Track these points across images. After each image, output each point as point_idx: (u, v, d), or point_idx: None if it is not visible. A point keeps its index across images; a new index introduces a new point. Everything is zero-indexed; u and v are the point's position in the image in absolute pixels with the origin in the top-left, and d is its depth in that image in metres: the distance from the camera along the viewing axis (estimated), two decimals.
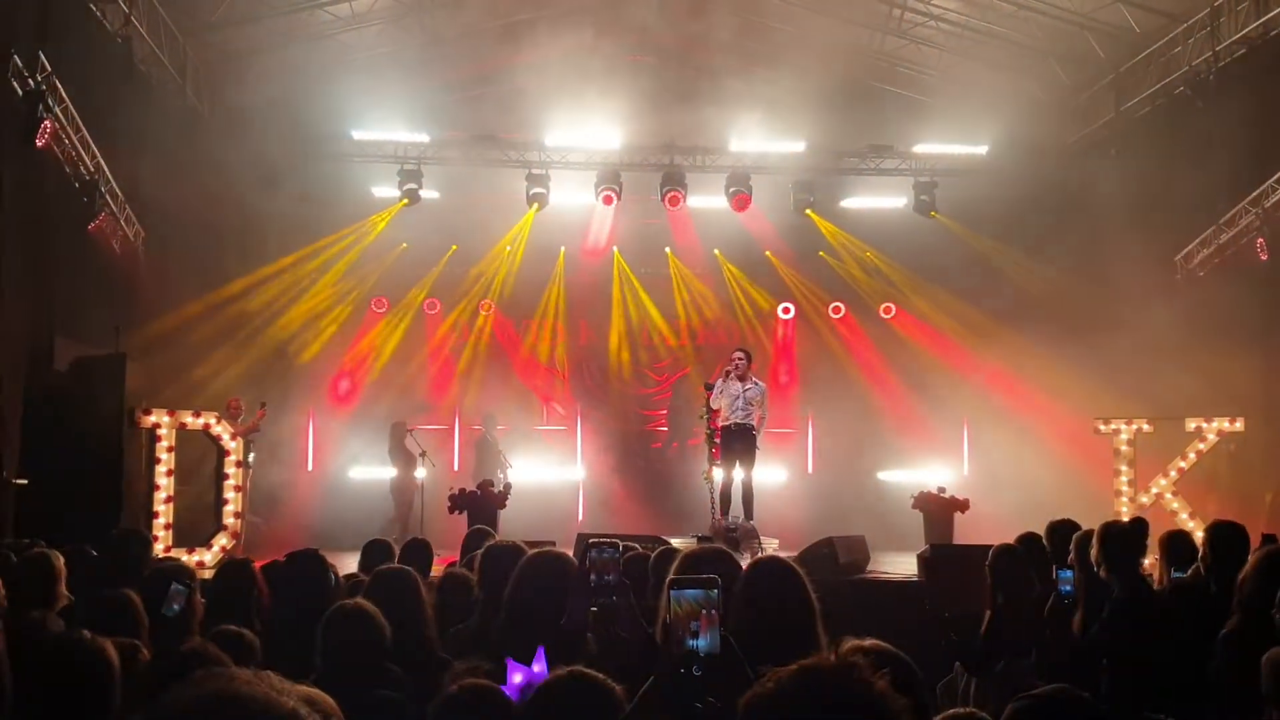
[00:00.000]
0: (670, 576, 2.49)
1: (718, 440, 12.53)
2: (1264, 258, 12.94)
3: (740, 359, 12.26)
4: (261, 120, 15.62)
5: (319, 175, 15.48)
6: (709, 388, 12.51)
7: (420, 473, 14.58)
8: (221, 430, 12.70)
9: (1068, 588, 5.31)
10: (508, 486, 13.69)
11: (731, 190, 16.47)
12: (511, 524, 13.08)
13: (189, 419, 12.46)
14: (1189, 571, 5.86)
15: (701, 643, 2.31)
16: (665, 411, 17.86)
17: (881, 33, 15.56)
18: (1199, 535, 6.03)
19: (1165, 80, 14.32)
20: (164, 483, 12.16)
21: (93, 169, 12.18)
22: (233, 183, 14.07)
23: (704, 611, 2.30)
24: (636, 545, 6.37)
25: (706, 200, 16.93)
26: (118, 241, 12.96)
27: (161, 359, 13.46)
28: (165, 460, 12.18)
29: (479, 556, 4.67)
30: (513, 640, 3.24)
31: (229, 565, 5.82)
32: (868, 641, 2.53)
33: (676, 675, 2.27)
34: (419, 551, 6.63)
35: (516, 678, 2.80)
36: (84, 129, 11.87)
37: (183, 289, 14.06)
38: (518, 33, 16.36)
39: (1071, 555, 5.51)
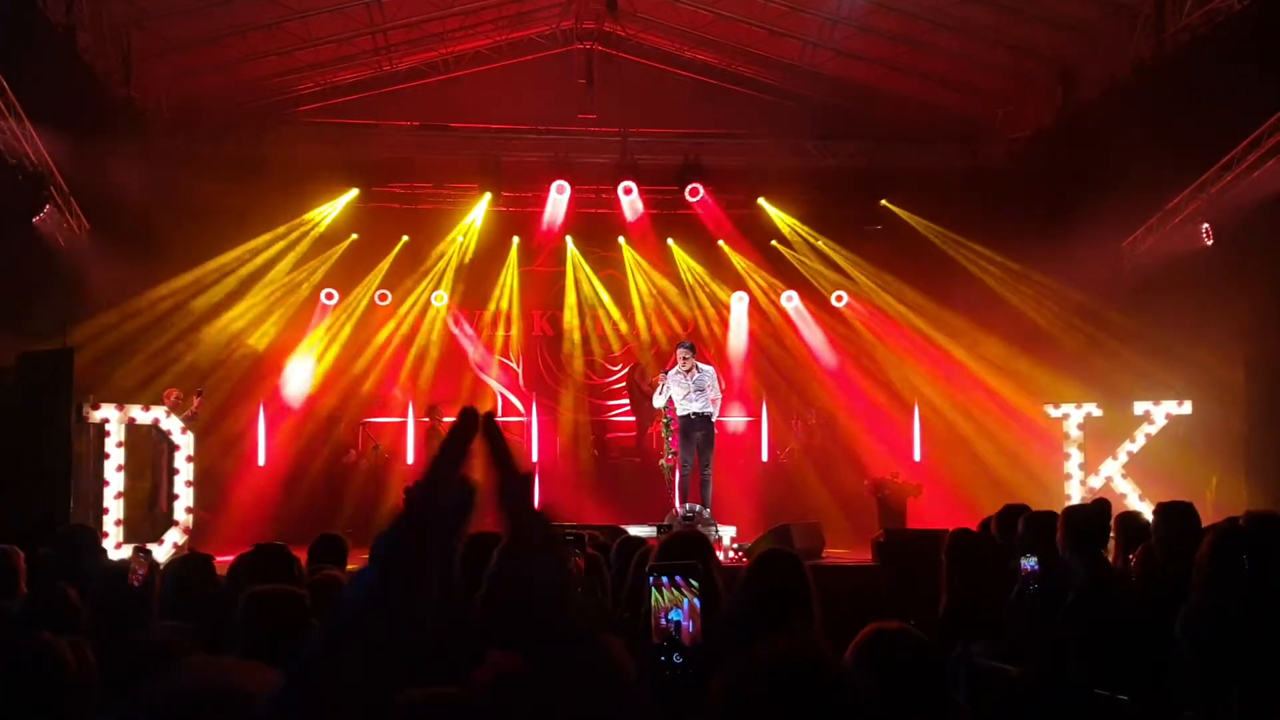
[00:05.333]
0: (650, 563, 2.49)
1: (674, 429, 12.57)
2: (1209, 243, 13.11)
3: (685, 356, 12.24)
4: (208, 111, 15.45)
5: (268, 166, 15.29)
6: (665, 375, 12.52)
7: None
8: (171, 425, 12.59)
9: (1031, 564, 5.32)
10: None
11: (685, 179, 16.48)
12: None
13: (138, 413, 12.34)
14: (1137, 551, 5.93)
15: (685, 629, 2.31)
16: (625, 401, 17.86)
17: (833, 20, 15.58)
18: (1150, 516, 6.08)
19: (1112, 69, 14.47)
20: (114, 478, 12.03)
21: (37, 161, 11.98)
22: (180, 174, 13.90)
23: (686, 599, 2.31)
24: (598, 534, 6.39)
25: (660, 189, 16.94)
26: (63, 235, 12.75)
27: (109, 353, 13.29)
28: (115, 455, 12.05)
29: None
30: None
31: (188, 558, 5.74)
32: (893, 624, 2.56)
33: (658, 663, 2.27)
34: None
35: None
36: (27, 121, 11.68)
37: (130, 282, 13.85)
38: (467, 21, 16.28)
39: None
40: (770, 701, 1.73)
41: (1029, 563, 5.35)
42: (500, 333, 17.77)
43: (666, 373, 12.56)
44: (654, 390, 12.85)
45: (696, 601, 2.31)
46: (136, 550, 4.65)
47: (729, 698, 1.75)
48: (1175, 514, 5.42)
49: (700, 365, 12.35)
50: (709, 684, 1.83)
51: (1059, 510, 5.91)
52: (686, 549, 3.43)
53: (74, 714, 3.00)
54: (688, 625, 2.29)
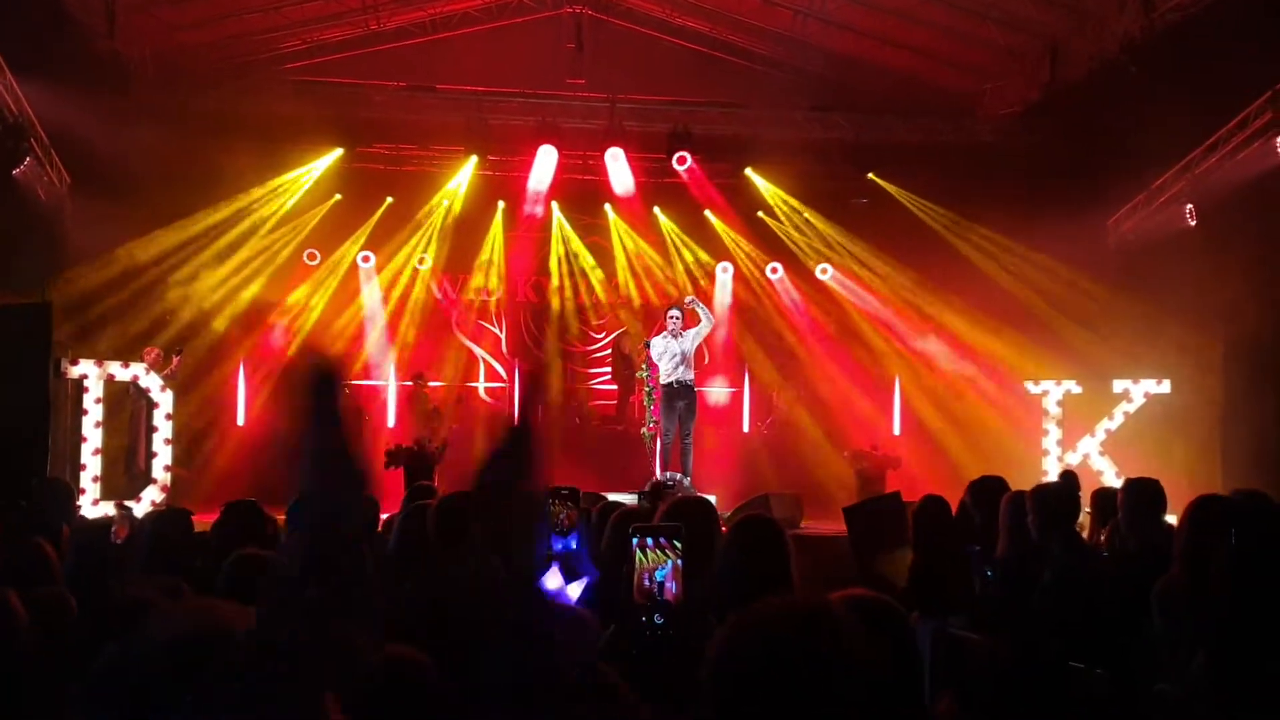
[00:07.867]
0: (633, 525, 2.48)
1: (657, 397, 12.57)
2: (1193, 224, 13.15)
3: (675, 319, 12.25)
4: (193, 66, 15.29)
5: (252, 123, 15.15)
6: (648, 345, 12.53)
7: None
8: (150, 382, 12.54)
9: (974, 550, 5.32)
10: (444, 443, 13.64)
11: (673, 147, 16.40)
12: (449, 481, 13.04)
13: (117, 369, 12.28)
14: (1107, 527, 5.96)
15: (668, 589, 2.31)
16: (608, 369, 17.83)
17: None
18: None
19: (1101, 46, 14.43)
20: (92, 434, 11.99)
21: (17, 113, 11.86)
22: (163, 129, 13.77)
23: (670, 560, 2.31)
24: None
25: (648, 157, 16.87)
26: (43, 188, 12.64)
27: (89, 308, 13.21)
28: (93, 411, 12.00)
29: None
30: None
31: (165, 513, 5.73)
32: (858, 590, 2.57)
33: (638, 623, 2.27)
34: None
35: None
36: (8, 71, 11.55)
37: (111, 238, 13.75)
38: None
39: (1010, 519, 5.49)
40: (771, 653, 1.71)
41: (972, 549, 5.35)
42: (485, 294, 17.68)
43: (650, 341, 12.59)
44: (641, 360, 12.86)
45: (680, 563, 2.32)
46: (119, 507, 4.62)
47: (729, 648, 1.73)
48: (1140, 490, 5.43)
49: (689, 330, 12.31)
50: (691, 642, 1.82)
51: (1034, 486, 5.89)
52: (691, 514, 3.42)
53: (32, 666, 2.95)
54: (671, 585, 2.30)
